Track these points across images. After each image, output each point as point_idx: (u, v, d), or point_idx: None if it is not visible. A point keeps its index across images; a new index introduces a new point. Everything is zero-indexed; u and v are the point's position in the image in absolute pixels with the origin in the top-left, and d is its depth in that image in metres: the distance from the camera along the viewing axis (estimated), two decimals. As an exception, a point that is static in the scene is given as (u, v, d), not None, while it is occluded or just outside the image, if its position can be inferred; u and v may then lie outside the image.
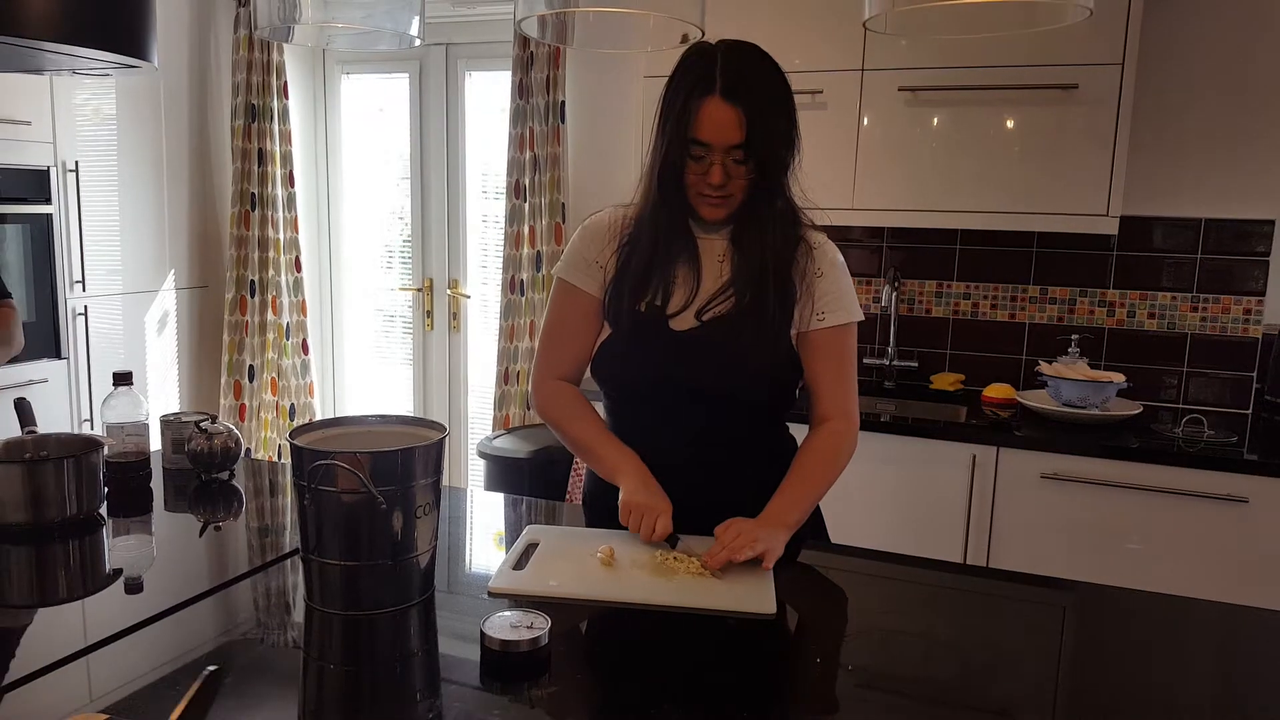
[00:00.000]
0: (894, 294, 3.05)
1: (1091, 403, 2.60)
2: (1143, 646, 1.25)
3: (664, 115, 1.45)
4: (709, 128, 1.40)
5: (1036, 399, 2.73)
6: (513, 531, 1.60)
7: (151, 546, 1.51)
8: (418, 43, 1.51)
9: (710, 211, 1.49)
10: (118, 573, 1.37)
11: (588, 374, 1.63)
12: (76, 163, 3.08)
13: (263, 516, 1.65)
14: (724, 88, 1.39)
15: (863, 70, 2.74)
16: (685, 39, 1.47)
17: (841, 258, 1.58)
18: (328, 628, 1.20)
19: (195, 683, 1.01)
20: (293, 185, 3.72)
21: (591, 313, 1.58)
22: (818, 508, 1.67)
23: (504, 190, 3.45)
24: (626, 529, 1.47)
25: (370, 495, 1.17)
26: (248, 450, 3.70)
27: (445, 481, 1.32)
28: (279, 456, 3.83)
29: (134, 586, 1.33)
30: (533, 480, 2.99)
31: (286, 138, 3.67)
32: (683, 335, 1.51)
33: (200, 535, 1.56)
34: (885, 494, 2.62)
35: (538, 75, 3.28)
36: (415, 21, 1.47)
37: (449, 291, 3.91)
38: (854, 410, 1.58)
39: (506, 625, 1.11)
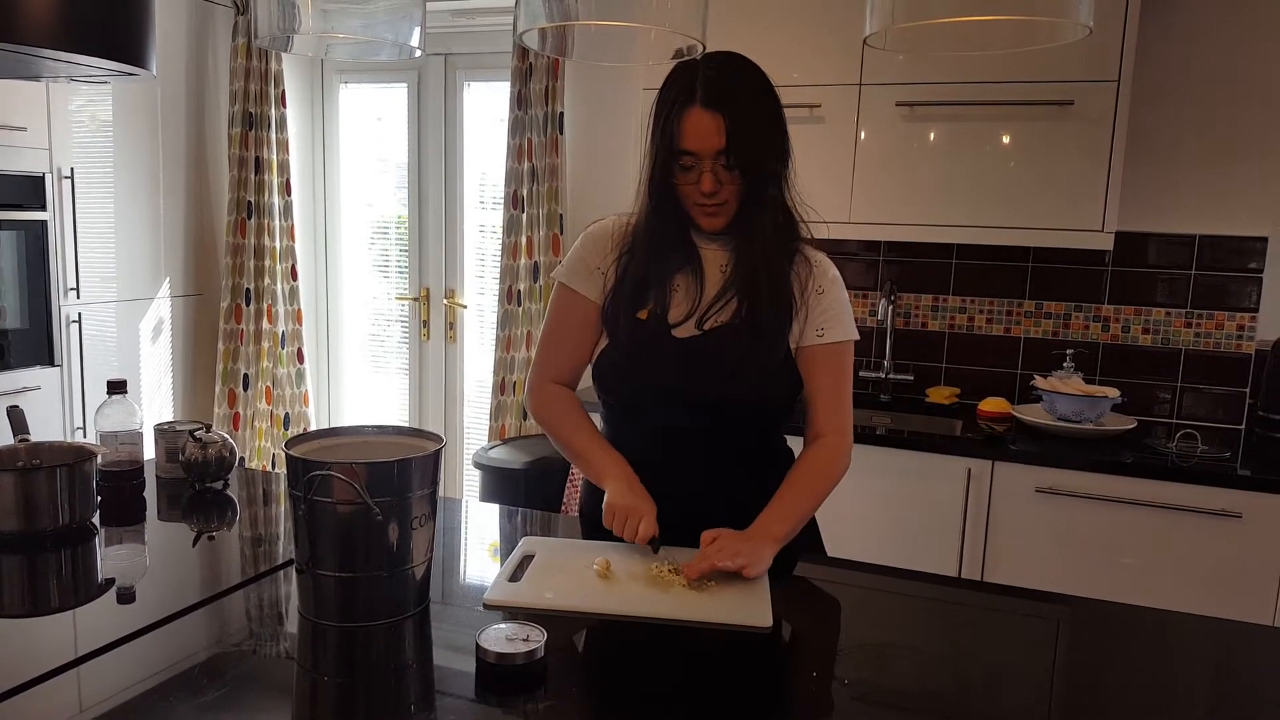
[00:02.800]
0: (890, 307, 3.05)
1: (1086, 417, 2.61)
2: (1137, 661, 1.25)
3: (652, 129, 1.49)
4: (692, 137, 1.43)
5: (1031, 413, 2.73)
6: (508, 543, 1.60)
7: (144, 556, 1.50)
8: (418, 54, 1.51)
9: (707, 221, 1.51)
10: (110, 582, 1.36)
11: (587, 381, 1.63)
12: (72, 169, 3.08)
13: (256, 526, 1.64)
14: (704, 96, 1.42)
15: (860, 85, 2.75)
16: (679, 52, 1.48)
17: (841, 278, 1.59)
18: (322, 639, 1.19)
19: None
20: (289, 194, 3.72)
21: (590, 319, 1.59)
22: (814, 521, 1.67)
23: (502, 201, 3.45)
24: (622, 540, 1.46)
25: (366, 506, 1.16)
26: (242, 459, 3.69)
27: (440, 492, 1.32)
28: (273, 466, 3.82)
29: (126, 596, 1.32)
30: (528, 491, 2.99)
31: (284, 146, 3.67)
32: (683, 344, 1.52)
33: (194, 545, 1.55)
34: (880, 507, 2.62)
35: (536, 86, 3.29)
36: (416, 32, 1.47)
37: (445, 301, 3.91)
38: (848, 427, 1.59)
39: (502, 638, 1.10)
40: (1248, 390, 2.80)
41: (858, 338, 1.58)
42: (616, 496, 1.47)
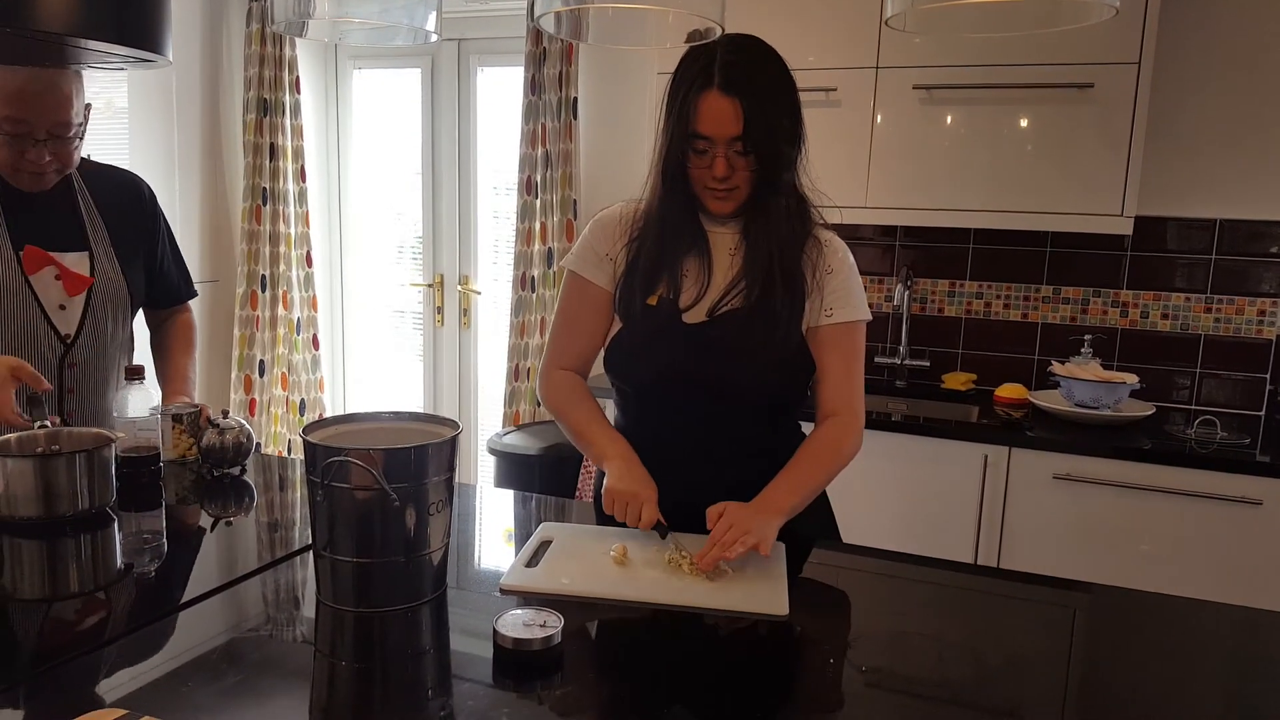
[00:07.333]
0: (906, 293, 3.04)
1: (1104, 403, 2.59)
2: (1154, 648, 1.24)
3: (667, 111, 1.48)
4: (708, 121, 1.42)
5: (1049, 399, 2.72)
6: (523, 529, 1.60)
7: (162, 541, 1.51)
8: (434, 39, 1.50)
9: (717, 205, 1.50)
10: (129, 567, 1.38)
11: (599, 370, 1.63)
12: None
13: (273, 512, 1.65)
14: (721, 81, 1.41)
15: (877, 68, 2.73)
16: (695, 35, 1.46)
17: (851, 257, 1.58)
18: (339, 624, 1.20)
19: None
20: (304, 180, 3.72)
21: (601, 306, 1.59)
22: (829, 507, 1.67)
23: (515, 186, 3.44)
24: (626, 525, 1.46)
25: (384, 492, 1.16)
26: (258, 445, 3.71)
27: (456, 478, 1.32)
28: (289, 451, 3.84)
29: (145, 581, 1.33)
30: (543, 477, 3.00)
31: (298, 132, 3.67)
32: (694, 329, 1.51)
33: (211, 530, 1.56)
34: (896, 493, 2.61)
35: (550, 71, 3.28)
36: (432, 17, 1.46)
37: (460, 288, 3.91)
38: (859, 407, 1.58)
39: (519, 623, 1.11)
40: (1268, 376, 2.77)
41: (869, 317, 1.57)
42: (615, 480, 1.47)
